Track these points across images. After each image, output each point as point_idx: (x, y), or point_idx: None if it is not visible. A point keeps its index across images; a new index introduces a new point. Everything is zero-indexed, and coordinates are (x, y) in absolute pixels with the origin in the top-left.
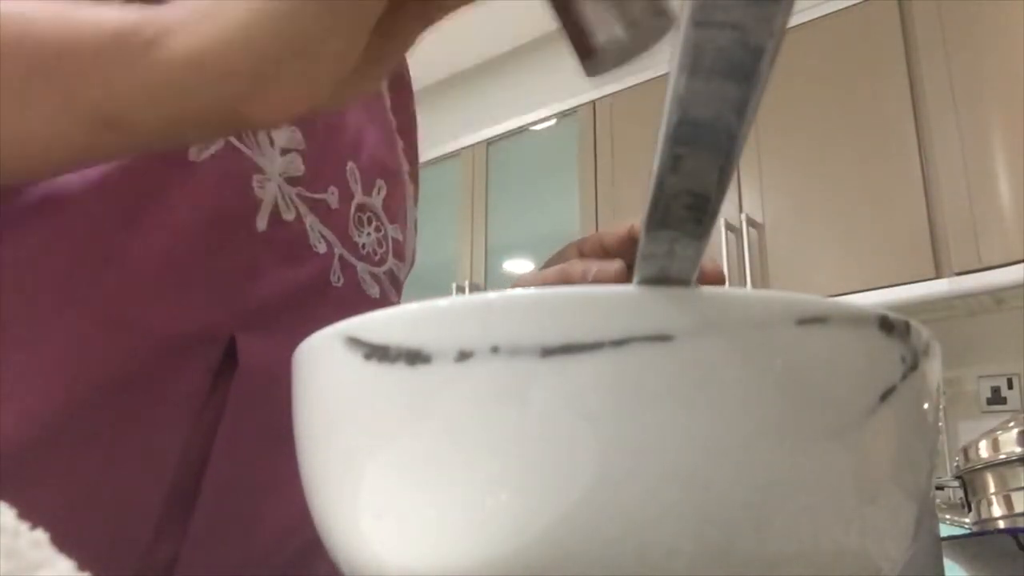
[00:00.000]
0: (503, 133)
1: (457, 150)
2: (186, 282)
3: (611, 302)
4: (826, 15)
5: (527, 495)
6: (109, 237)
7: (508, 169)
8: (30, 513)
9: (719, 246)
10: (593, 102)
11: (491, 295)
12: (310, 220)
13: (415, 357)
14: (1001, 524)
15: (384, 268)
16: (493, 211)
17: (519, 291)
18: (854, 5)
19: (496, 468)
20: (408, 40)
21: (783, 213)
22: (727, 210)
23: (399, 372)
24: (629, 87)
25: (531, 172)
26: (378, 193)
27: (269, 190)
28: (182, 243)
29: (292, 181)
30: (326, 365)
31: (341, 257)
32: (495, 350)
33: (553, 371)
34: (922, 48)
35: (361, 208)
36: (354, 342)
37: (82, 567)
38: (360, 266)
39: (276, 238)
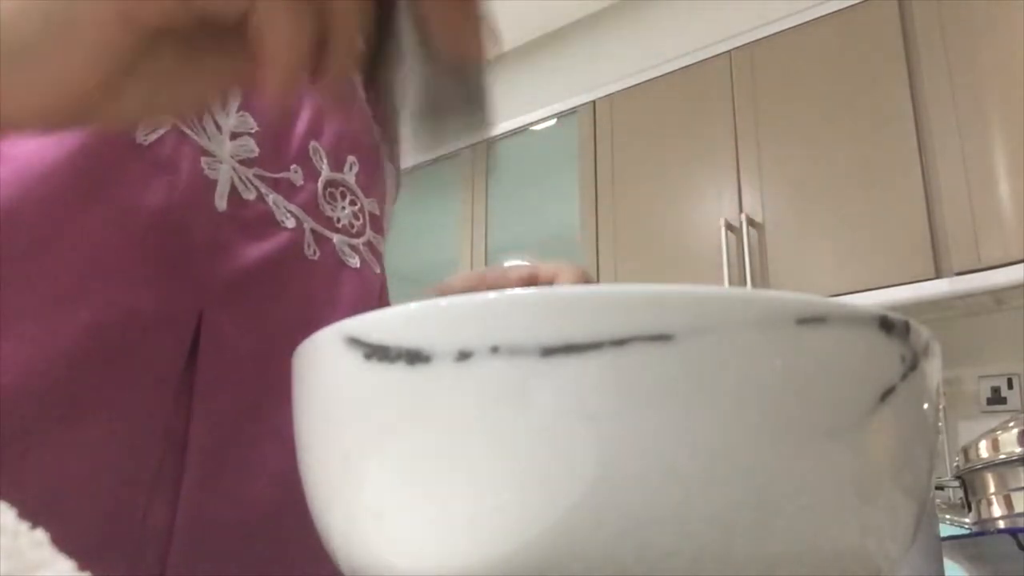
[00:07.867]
0: (503, 133)
1: (458, 150)
2: (148, 260)
3: (611, 302)
4: (826, 15)
5: (527, 495)
6: (67, 212)
7: (508, 169)
8: (22, 495)
9: (719, 246)
10: (593, 102)
11: (491, 295)
12: (273, 198)
13: (415, 357)
14: (1001, 524)
15: (363, 240)
16: (493, 211)
17: (519, 291)
18: (854, 5)
19: (496, 468)
20: (199, 97)
21: (783, 213)
22: (727, 210)
23: (399, 372)
24: (629, 87)
25: (531, 172)
26: (350, 169)
27: (223, 172)
28: (140, 222)
29: (247, 163)
30: (326, 365)
31: (314, 231)
32: (495, 350)
33: (553, 371)
34: (922, 48)
35: (332, 184)
36: (354, 342)
37: (79, 555)
38: (337, 238)
39: (239, 216)
